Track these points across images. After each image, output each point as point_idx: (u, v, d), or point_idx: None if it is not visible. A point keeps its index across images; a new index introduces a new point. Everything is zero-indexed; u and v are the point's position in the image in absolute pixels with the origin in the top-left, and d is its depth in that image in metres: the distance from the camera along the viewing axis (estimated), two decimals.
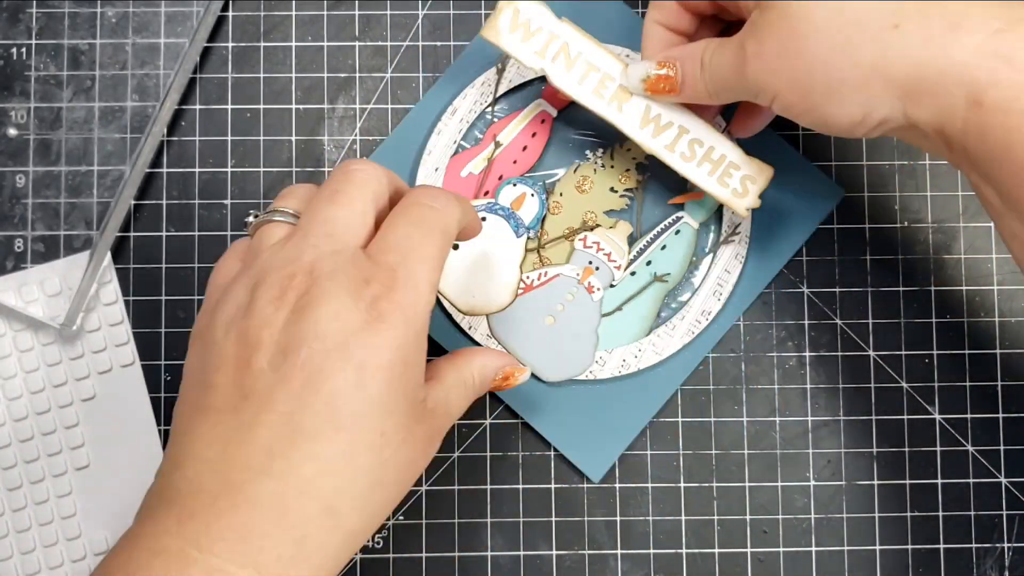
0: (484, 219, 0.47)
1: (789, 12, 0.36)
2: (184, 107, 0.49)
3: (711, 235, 0.48)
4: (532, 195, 0.48)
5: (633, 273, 0.48)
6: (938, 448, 0.48)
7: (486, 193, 0.48)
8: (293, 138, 0.50)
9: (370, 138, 0.49)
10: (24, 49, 0.49)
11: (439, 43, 0.50)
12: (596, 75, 0.44)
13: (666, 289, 0.48)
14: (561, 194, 0.48)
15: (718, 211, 0.48)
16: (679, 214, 0.48)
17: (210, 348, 0.34)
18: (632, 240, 0.48)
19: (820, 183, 0.48)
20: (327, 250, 0.34)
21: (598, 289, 0.48)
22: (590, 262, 0.48)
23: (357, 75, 0.50)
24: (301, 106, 0.50)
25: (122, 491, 0.48)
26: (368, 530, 0.34)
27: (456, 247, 0.47)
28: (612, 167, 0.48)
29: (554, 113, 0.49)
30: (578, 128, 0.49)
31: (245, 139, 0.49)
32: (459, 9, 0.50)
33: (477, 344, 0.48)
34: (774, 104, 0.39)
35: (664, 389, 0.48)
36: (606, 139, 0.49)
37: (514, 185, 0.48)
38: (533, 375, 0.47)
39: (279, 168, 0.49)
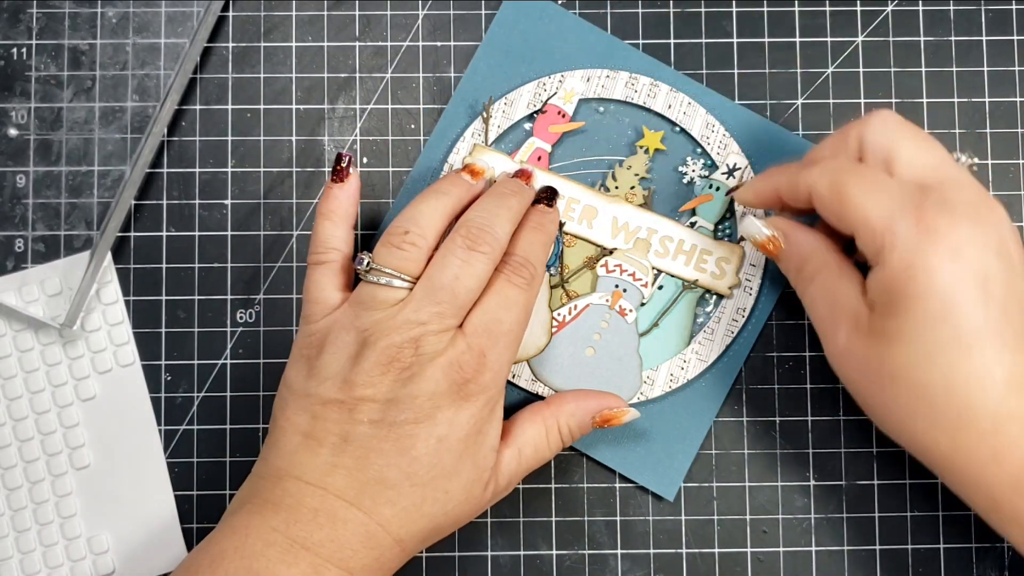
0: None
1: (905, 334, 0.38)
2: (184, 107, 0.49)
3: (729, 232, 0.48)
4: None
5: (661, 287, 0.48)
6: None
7: None
8: (293, 138, 0.50)
9: (370, 138, 0.50)
10: (24, 49, 0.49)
11: (439, 43, 0.50)
12: (561, 201, 0.48)
13: (697, 295, 0.48)
14: None
15: (731, 209, 0.48)
16: (692, 219, 0.48)
17: (317, 380, 0.40)
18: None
19: None
20: (435, 328, 0.40)
21: (630, 311, 0.47)
22: (616, 285, 0.47)
23: (357, 75, 0.50)
24: (301, 106, 0.50)
25: (122, 491, 0.48)
26: (420, 550, 0.42)
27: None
28: (616, 188, 0.48)
29: (548, 148, 0.48)
30: (576, 158, 0.49)
31: (245, 139, 0.49)
32: (459, 9, 0.50)
33: (530, 394, 0.47)
34: (848, 388, 0.41)
35: (717, 393, 0.48)
36: (605, 164, 0.49)
37: None
38: None
39: (279, 168, 0.49)
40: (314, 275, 0.43)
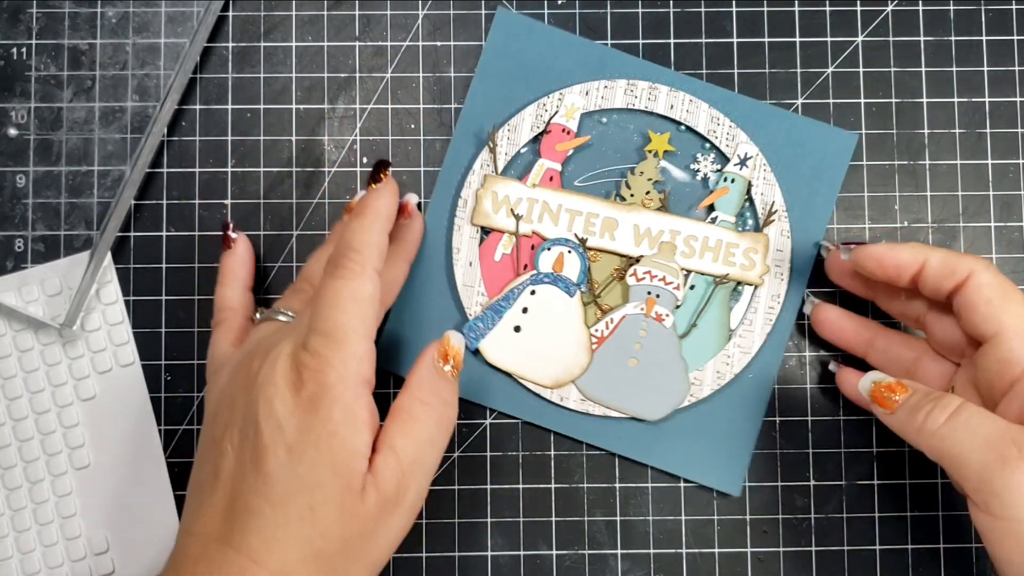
0: (534, 292, 0.47)
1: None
2: (184, 107, 0.49)
3: (750, 222, 0.48)
4: (569, 251, 0.47)
5: (692, 287, 0.48)
6: None
7: (525, 267, 0.48)
8: (293, 138, 0.50)
9: (370, 138, 0.49)
10: (24, 49, 0.49)
11: (439, 43, 0.50)
12: (580, 217, 0.48)
13: (729, 289, 0.48)
14: None
15: (749, 199, 0.48)
16: (713, 214, 0.48)
17: (205, 425, 0.41)
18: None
19: (832, 134, 0.48)
20: (282, 338, 0.40)
21: (667, 315, 0.47)
22: (649, 292, 0.47)
23: (357, 75, 0.50)
24: (301, 106, 0.50)
25: (122, 491, 0.48)
26: None
27: (518, 329, 0.47)
28: (632, 196, 0.48)
29: (559, 167, 0.48)
30: (587, 172, 0.49)
31: (245, 139, 0.49)
32: (459, 9, 0.50)
33: (582, 415, 0.47)
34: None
35: (765, 382, 0.48)
36: (617, 173, 0.49)
37: (549, 249, 0.47)
38: (636, 419, 0.47)
39: (279, 168, 0.49)
40: (213, 335, 0.46)
